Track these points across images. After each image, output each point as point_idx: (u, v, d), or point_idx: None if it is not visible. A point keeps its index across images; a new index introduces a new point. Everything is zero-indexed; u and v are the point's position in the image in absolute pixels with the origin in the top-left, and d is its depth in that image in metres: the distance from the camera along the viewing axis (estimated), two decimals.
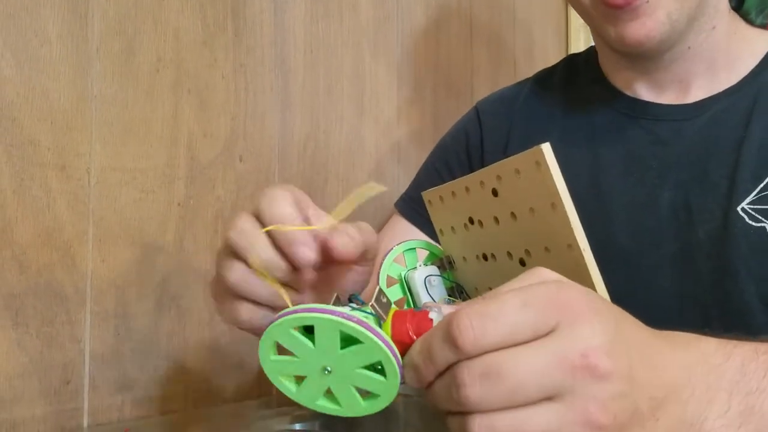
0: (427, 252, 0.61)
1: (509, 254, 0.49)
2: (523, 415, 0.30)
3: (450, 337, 0.32)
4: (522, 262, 0.48)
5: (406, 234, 0.76)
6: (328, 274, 0.48)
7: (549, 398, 0.31)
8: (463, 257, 0.56)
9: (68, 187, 0.65)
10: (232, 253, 0.44)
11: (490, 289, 0.54)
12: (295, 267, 0.43)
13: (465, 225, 0.53)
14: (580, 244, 0.40)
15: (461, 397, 0.31)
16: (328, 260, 0.44)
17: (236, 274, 0.43)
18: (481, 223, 0.50)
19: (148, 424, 0.67)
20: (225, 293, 0.45)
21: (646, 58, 0.67)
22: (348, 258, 0.43)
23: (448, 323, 0.32)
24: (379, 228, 0.87)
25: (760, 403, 0.35)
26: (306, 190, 0.85)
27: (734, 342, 0.38)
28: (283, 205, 0.43)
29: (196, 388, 0.74)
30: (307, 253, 0.41)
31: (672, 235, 0.64)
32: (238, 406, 0.75)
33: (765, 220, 0.59)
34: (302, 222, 0.43)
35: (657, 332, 0.36)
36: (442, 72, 1.05)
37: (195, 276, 0.74)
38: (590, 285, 0.41)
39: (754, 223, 0.59)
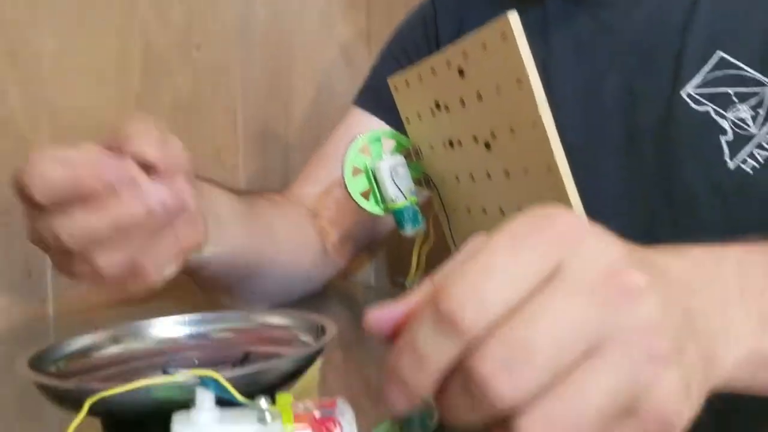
0: (394, 142, 0.60)
1: (475, 138, 0.48)
2: (576, 388, 0.22)
3: (443, 321, 0.23)
4: (487, 146, 0.47)
5: (366, 125, 0.74)
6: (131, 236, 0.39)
7: (595, 350, 0.22)
8: (430, 145, 0.56)
9: (20, 75, 0.62)
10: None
11: (457, 178, 0.54)
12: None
13: (431, 110, 0.52)
14: (544, 120, 0.40)
15: (489, 396, 0.22)
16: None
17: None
18: (447, 107, 0.50)
19: (118, 313, 0.67)
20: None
21: None
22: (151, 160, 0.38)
23: (432, 304, 0.23)
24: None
25: None
26: (270, 78, 0.82)
27: (713, 248, 0.33)
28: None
29: None
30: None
31: (617, 122, 0.64)
32: None
33: (709, 104, 0.59)
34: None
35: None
36: None
37: None
38: (553, 164, 0.41)
39: (698, 107, 0.59)
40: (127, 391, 0.31)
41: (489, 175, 0.49)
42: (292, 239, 0.64)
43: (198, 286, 0.62)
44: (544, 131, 0.40)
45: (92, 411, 0.34)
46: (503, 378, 0.22)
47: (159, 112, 0.73)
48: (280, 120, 0.83)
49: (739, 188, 0.58)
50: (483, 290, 0.23)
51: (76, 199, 0.37)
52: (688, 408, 0.24)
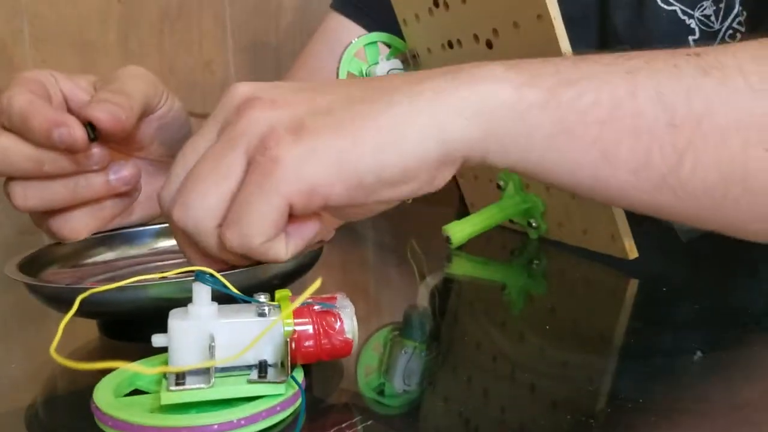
0: (390, 46, 0.58)
1: (476, 37, 0.46)
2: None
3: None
4: (489, 44, 0.45)
5: (346, 30, 0.71)
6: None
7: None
8: (428, 48, 0.54)
9: None
10: None
11: None
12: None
13: (429, 10, 0.50)
14: (551, 13, 0.38)
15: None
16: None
17: None
18: (446, 5, 0.47)
19: None
20: None
21: None
22: (117, 130, 0.36)
23: None
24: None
25: (526, 65, 0.30)
26: None
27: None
28: (22, 95, 0.35)
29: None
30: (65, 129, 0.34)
31: (591, 23, 0.62)
32: None
33: (676, 4, 0.58)
34: (50, 104, 0.37)
35: None
36: None
37: None
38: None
39: (666, 6, 0.58)
40: (122, 290, 0.30)
41: None
42: None
43: None
44: (551, 23, 0.38)
45: (89, 312, 0.33)
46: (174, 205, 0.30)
47: (146, 22, 0.70)
48: (270, 29, 0.80)
49: None
50: (180, 155, 0.31)
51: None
52: (313, 156, 0.28)
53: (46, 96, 0.37)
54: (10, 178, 0.37)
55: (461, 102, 0.29)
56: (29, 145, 0.35)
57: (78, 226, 0.39)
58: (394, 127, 0.28)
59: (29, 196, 0.37)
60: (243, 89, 0.30)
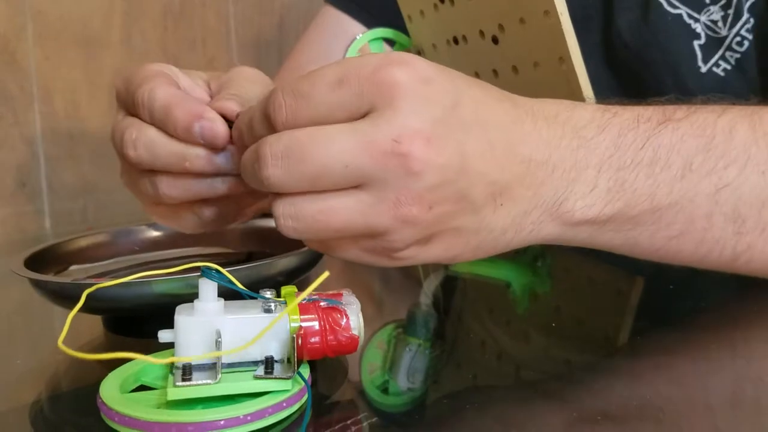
0: (394, 42, 0.58)
1: (481, 33, 0.46)
2: (328, 201, 0.28)
3: (266, 114, 0.29)
4: (495, 40, 0.45)
5: (339, 27, 0.70)
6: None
7: (358, 187, 0.28)
8: (433, 44, 0.53)
9: None
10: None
11: None
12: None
13: (435, 5, 0.49)
14: (558, 9, 0.38)
15: (263, 177, 0.28)
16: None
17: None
18: (452, 0, 0.47)
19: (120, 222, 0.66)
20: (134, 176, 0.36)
21: None
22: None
23: (267, 98, 0.29)
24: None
25: (632, 179, 0.32)
26: None
27: (615, 109, 0.33)
28: (163, 87, 0.34)
29: None
30: (214, 125, 0.33)
31: (595, 24, 0.62)
32: None
33: (682, 7, 0.57)
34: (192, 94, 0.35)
35: (521, 104, 0.32)
36: None
37: None
38: (566, 54, 0.39)
39: (671, 10, 0.58)
40: (127, 286, 0.30)
41: (496, 73, 0.47)
42: None
43: None
44: (558, 19, 0.38)
45: (94, 307, 0.33)
46: (276, 167, 0.27)
47: (149, 18, 0.70)
48: (274, 26, 0.80)
49: (710, 91, 0.57)
50: (297, 107, 0.28)
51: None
52: (427, 256, 0.30)
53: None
54: (153, 171, 0.35)
55: (559, 217, 0.32)
56: (173, 140, 0.33)
57: (217, 216, 0.36)
58: (506, 242, 0.32)
59: (173, 187, 0.34)
60: (411, 121, 0.27)
